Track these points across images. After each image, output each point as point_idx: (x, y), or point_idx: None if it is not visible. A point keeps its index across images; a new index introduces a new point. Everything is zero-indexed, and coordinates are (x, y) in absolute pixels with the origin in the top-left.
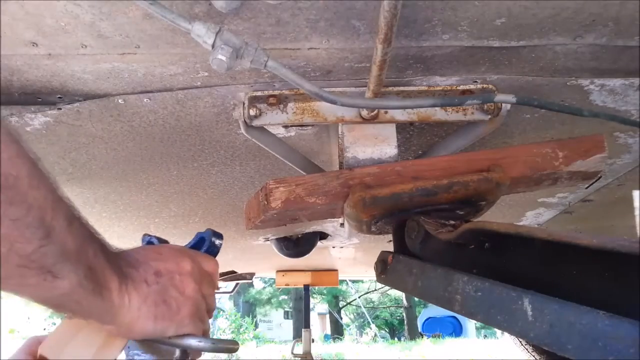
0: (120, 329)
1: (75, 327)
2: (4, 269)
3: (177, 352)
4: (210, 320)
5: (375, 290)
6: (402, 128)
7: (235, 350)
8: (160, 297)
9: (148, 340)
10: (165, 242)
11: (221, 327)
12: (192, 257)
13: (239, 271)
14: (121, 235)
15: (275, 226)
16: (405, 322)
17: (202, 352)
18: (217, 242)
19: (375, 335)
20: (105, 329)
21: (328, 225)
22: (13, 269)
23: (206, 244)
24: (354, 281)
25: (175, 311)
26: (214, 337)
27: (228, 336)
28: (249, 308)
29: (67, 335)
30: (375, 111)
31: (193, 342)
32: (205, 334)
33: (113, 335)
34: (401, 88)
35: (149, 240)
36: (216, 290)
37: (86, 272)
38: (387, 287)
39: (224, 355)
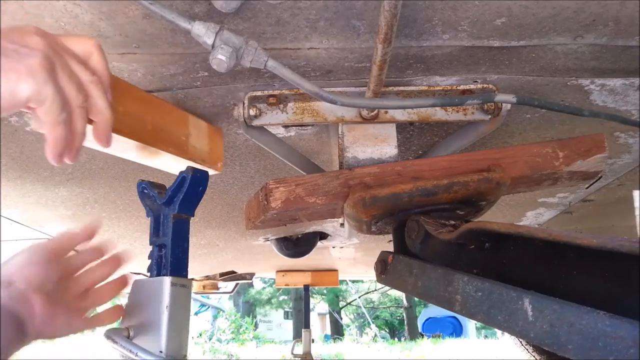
0: None
1: None
2: None
3: None
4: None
5: (375, 290)
6: (402, 128)
7: None
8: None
9: None
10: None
11: (221, 327)
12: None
13: (239, 271)
14: (121, 235)
15: (275, 226)
16: (405, 322)
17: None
18: (202, 180)
19: (375, 335)
20: None
21: (328, 225)
22: None
23: (187, 184)
24: (354, 281)
25: (16, 60)
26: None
27: (228, 336)
28: (248, 308)
29: None
30: (376, 111)
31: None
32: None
33: None
34: (401, 88)
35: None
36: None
37: None
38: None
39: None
